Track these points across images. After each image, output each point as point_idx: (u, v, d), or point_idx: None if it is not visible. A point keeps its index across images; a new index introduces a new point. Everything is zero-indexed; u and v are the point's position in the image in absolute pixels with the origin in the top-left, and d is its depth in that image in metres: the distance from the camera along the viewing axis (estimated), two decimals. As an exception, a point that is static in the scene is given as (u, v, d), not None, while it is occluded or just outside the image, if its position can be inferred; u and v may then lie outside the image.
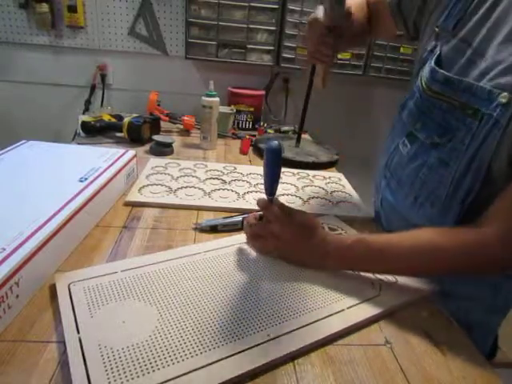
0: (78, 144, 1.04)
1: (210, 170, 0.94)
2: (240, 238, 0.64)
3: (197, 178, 0.89)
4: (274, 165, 0.56)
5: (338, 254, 0.55)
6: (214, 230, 0.68)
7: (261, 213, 0.61)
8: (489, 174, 0.51)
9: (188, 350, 0.41)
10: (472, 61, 0.52)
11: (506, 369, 0.76)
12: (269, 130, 1.42)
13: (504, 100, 0.47)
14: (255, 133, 1.37)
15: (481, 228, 0.49)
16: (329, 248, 0.56)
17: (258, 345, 0.43)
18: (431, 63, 0.57)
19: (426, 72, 0.59)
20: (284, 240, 0.57)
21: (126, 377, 0.37)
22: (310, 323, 0.47)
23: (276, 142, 0.54)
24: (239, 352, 0.42)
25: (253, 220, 0.62)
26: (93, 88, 1.54)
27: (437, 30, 0.60)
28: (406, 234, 0.53)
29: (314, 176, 0.99)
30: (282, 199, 0.83)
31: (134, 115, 1.15)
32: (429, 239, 0.51)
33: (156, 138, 1.06)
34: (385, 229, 0.75)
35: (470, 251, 0.49)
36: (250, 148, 1.19)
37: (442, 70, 0.55)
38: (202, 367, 0.39)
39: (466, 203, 0.54)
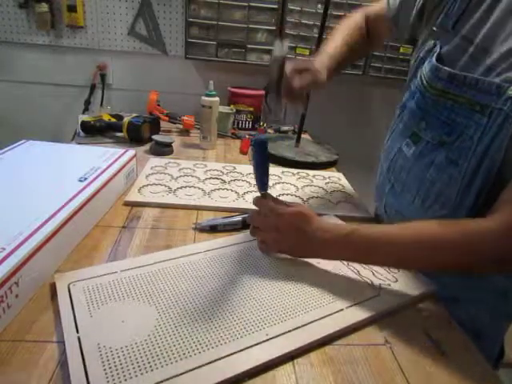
0: (78, 144, 1.04)
1: (210, 170, 0.94)
2: (240, 238, 0.64)
3: (196, 177, 0.89)
4: (262, 159, 0.57)
5: (336, 242, 0.54)
6: (213, 229, 0.68)
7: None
8: (502, 173, 0.50)
9: (187, 349, 0.41)
10: (475, 57, 0.52)
11: (508, 369, 0.76)
12: (269, 130, 1.42)
13: None
14: (255, 132, 1.37)
15: (485, 219, 0.47)
16: (326, 236, 0.55)
17: (257, 344, 0.43)
18: (432, 61, 0.57)
19: (426, 70, 0.58)
20: (282, 231, 0.57)
21: (124, 376, 0.37)
22: (309, 323, 0.47)
23: (262, 136, 0.55)
24: (238, 351, 0.42)
25: (254, 215, 0.61)
26: (92, 88, 1.54)
27: (435, 29, 0.60)
28: (407, 225, 0.52)
29: (313, 176, 0.99)
30: (282, 199, 0.83)
31: (134, 115, 1.15)
32: (430, 229, 0.50)
33: (156, 137, 1.06)
34: None
35: (471, 241, 0.47)
36: (250, 148, 1.19)
37: (445, 67, 0.54)
38: (201, 366, 0.39)
39: (478, 204, 0.53)
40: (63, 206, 0.57)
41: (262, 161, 0.57)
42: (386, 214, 0.74)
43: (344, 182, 0.98)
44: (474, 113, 0.51)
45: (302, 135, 1.22)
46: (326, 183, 0.95)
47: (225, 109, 1.29)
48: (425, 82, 0.59)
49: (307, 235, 0.55)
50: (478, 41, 0.52)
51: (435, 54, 0.57)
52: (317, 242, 0.55)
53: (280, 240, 0.57)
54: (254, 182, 0.89)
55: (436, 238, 0.49)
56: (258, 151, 0.56)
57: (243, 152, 1.15)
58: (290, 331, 0.45)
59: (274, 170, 0.99)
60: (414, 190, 0.62)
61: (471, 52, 0.52)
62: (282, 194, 0.85)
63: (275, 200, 0.60)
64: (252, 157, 0.57)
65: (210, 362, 0.40)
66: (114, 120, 1.19)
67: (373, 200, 0.82)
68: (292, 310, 0.49)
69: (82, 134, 1.13)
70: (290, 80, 0.69)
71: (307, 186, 0.93)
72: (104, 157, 0.77)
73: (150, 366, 0.38)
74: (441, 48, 0.57)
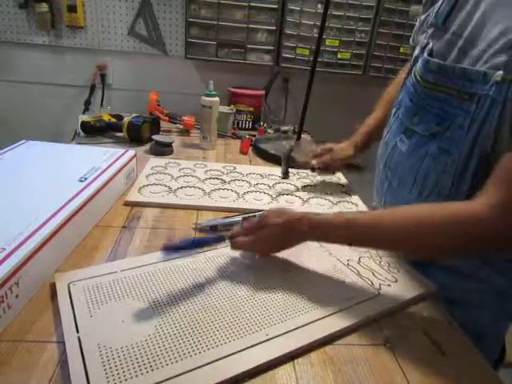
0: (78, 144, 1.04)
1: (210, 170, 0.94)
2: (240, 238, 0.64)
3: (196, 177, 0.89)
4: (192, 245, 0.54)
5: (334, 229, 0.54)
6: (213, 229, 0.68)
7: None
8: (494, 158, 0.51)
9: (187, 349, 0.41)
10: (464, 50, 0.54)
11: (509, 369, 0.76)
12: (269, 130, 1.41)
13: (499, 78, 0.48)
14: (255, 133, 1.37)
15: (473, 201, 0.49)
16: (317, 233, 0.55)
17: (257, 344, 0.43)
18: (424, 56, 0.59)
19: (419, 66, 0.60)
20: (275, 242, 0.56)
21: (124, 376, 0.37)
22: (309, 323, 0.47)
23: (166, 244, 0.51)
24: (238, 351, 0.42)
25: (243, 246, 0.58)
26: (92, 88, 1.54)
27: (426, 29, 0.62)
28: (397, 209, 0.53)
29: (313, 176, 0.99)
30: (282, 199, 0.83)
31: (134, 115, 1.15)
32: (420, 212, 0.51)
33: (156, 137, 1.06)
34: None
35: (460, 220, 0.48)
36: (250, 148, 1.19)
37: (435, 59, 0.57)
38: (201, 366, 0.39)
39: (473, 191, 0.53)
40: (63, 206, 0.57)
41: (194, 246, 0.55)
42: (383, 208, 0.74)
43: (344, 182, 0.98)
44: (463, 101, 0.53)
45: (302, 135, 1.22)
46: (325, 183, 0.95)
47: (225, 109, 1.29)
48: (418, 76, 0.60)
49: (291, 237, 0.55)
50: (466, 34, 0.54)
51: (427, 50, 0.59)
52: (304, 238, 0.56)
53: (278, 246, 0.57)
54: (253, 181, 0.90)
55: (426, 221, 0.49)
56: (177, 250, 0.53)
57: (243, 152, 1.15)
58: (290, 331, 0.45)
59: (274, 170, 0.99)
60: (409, 183, 0.63)
61: (460, 45, 0.54)
62: (282, 194, 0.85)
63: (247, 223, 0.58)
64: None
65: (210, 362, 0.40)
66: (114, 120, 1.19)
67: (373, 200, 0.82)
68: (292, 310, 0.49)
69: (82, 134, 1.13)
70: (310, 160, 0.89)
71: (307, 186, 0.93)
72: (104, 157, 0.77)
73: (150, 366, 0.38)
74: (433, 46, 0.59)
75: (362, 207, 0.84)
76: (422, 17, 0.67)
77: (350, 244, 0.56)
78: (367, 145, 0.89)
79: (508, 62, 0.47)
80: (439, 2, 0.61)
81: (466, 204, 0.49)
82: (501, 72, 0.48)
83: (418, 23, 0.72)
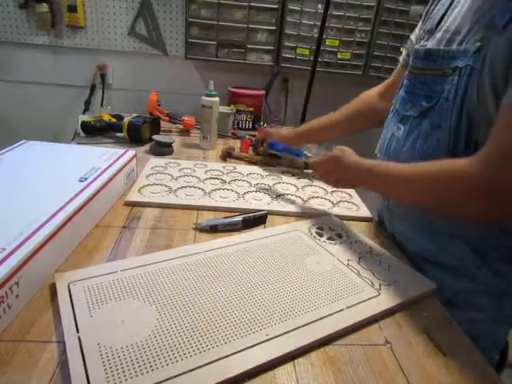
0: (78, 144, 1.04)
1: (210, 170, 0.94)
2: (240, 238, 0.64)
3: (197, 177, 0.89)
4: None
5: (362, 175, 0.65)
6: (213, 229, 0.68)
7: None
8: (481, 124, 0.53)
9: (187, 349, 0.41)
10: (451, 40, 0.59)
11: (510, 370, 0.76)
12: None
13: (475, 48, 0.53)
14: (255, 133, 1.37)
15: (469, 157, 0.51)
16: (353, 170, 0.67)
17: (257, 344, 0.43)
18: (415, 48, 0.67)
19: (411, 59, 0.68)
20: (325, 173, 0.74)
21: (124, 376, 0.37)
22: (310, 323, 0.47)
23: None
24: (238, 351, 0.42)
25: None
26: (93, 88, 1.54)
27: (424, 35, 0.67)
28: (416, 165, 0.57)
29: (314, 176, 0.99)
30: (282, 199, 0.83)
31: (134, 115, 1.15)
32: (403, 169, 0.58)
33: (156, 137, 1.06)
34: (388, 231, 0.75)
35: (454, 174, 0.52)
36: (250, 148, 1.19)
37: (423, 47, 0.64)
38: (201, 366, 0.39)
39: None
40: (63, 206, 0.57)
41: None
42: (387, 207, 0.74)
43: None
44: (447, 77, 0.57)
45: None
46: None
47: (225, 109, 1.29)
48: (410, 68, 0.68)
49: (341, 172, 0.69)
50: (453, 28, 0.59)
51: (419, 45, 0.66)
52: (350, 175, 0.68)
53: (328, 179, 0.74)
54: (253, 181, 0.90)
55: (429, 174, 0.55)
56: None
57: (243, 152, 1.15)
58: (290, 331, 0.45)
59: (274, 170, 0.99)
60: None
61: (448, 37, 0.59)
62: (282, 194, 0.85)
63: (316, 157, 0.77)
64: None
65: (210, 362, 0.40)
66: (114, 120, 1.19)
67: (372, 199, 0.82)
68: (292, 310, 0.49)
69: (82, 134, 1.13)
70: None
71: (307, 186, 0.93)
72: (104, 157, 0.77)
73: (151, 366, 0.38)
74: (426, 44, 0.64)
75: (363, 207, 0.84)
76: (417, 30, 0.73)
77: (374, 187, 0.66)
78: (308, 134, 0.96)
79: (484, 37, 0.52)
80: (434, 11, 0.66)
81: (464, 159, 0.52)
82: (479, 43, 0.52)
83: (413, 37, 0.76)
